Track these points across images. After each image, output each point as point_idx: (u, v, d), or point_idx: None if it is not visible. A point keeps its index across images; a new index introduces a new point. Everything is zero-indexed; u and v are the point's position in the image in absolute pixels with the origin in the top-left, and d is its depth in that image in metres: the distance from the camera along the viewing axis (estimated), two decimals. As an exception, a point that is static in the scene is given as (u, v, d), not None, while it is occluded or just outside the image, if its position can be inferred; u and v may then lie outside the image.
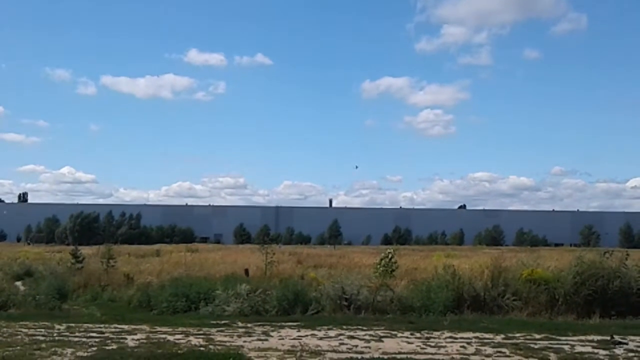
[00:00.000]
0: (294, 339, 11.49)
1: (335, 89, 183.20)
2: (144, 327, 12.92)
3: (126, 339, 11.40)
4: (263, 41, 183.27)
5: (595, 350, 10.34)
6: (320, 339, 11.48)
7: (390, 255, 19.12)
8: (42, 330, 12.46)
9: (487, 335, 11.70)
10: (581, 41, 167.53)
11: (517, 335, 11.71)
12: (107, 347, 10.54)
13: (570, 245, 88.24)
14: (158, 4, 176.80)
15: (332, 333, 12.07)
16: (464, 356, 9.92)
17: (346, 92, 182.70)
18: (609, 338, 11.21)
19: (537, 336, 11.57)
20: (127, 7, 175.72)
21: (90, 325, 13.10)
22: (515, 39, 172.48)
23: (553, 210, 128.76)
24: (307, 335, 11.81)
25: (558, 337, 11.42)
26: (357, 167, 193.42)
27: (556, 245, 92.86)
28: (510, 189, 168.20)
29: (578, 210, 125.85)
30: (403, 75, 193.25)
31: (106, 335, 11.84)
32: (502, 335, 11.65)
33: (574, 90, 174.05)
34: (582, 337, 11.49)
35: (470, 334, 11.86)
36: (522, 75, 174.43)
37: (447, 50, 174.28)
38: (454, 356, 9.93)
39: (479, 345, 10.78)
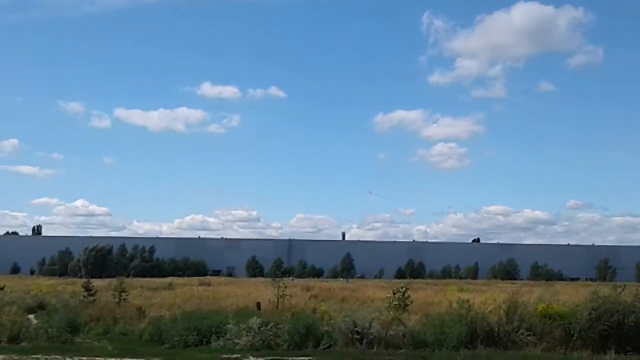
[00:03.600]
0: (306, 373, 11.40)
1: (348, 122, 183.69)
2: (155, 361, 12.88)
3: (137, 372, 11.36)
4: (277, 74, 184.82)
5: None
6: (332, 374, 11.38)
7: (403, 290, 19.06)
8: (54, 363, 12.46)
9: (501, 371, 11.55)
10: (597, 74, 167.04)
11: (532, 371, 11.55)
12: (118, 381, 10.52)
13: (586, 280, 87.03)
14: (171, 37, 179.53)
15: (343, 368, 11.96)
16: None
17: (359, 125, 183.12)
18: None
19: (552, 372, 11.41)
20: (140, 40, 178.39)
21: (102, 359, 13.08)
22: (530, 72, 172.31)
23: (568, 244, 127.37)
24: (318, 370, 11.72)
25: (573, 374, 11.25)
26: (372, 193, 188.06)
27: (572, 279, 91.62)
28: (525, 223, 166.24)
29: (594, 244, 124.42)
30: (416, 108, 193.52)
31: (117, 369, 11.81)
32: (516, 371, 11.51)
33: (590, 123, 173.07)
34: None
35: (483, 370, 11.71)
36: (537, 108, 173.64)
37: (461, 83, 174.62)
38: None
39: (492, 381, 10.65)
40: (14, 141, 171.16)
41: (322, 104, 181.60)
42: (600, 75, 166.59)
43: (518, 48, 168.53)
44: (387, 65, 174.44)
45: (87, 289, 24.97)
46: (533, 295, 18.44)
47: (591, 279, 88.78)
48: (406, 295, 19.20)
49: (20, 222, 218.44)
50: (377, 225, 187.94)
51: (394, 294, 19.38)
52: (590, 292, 15.98)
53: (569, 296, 20.36)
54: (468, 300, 16.90)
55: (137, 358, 13.29)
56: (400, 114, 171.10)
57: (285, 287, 22.22)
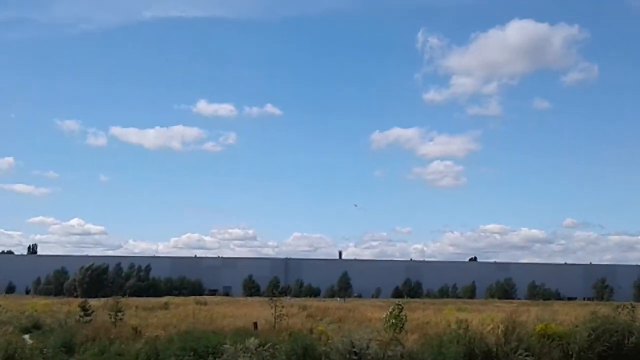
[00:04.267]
0: (303, 395, 11.31)
1: (344, 140, 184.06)
2: (152, 382, 12.78)
3: (133, 394, 11.26)
4: (272, 91, 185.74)
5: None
6: (330, 395, 11.29)
7: (399, 309, 18.97)
8: (49, 384, 12.35)
9: (500, 392, 11.47)
10: (592, 91, 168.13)
11: (531, 392, 11.47)
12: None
13: (584, 299, 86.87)
14: (167, 55, 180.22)
15: (342, 389, 11.86)
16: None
17: (355, 143, 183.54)
18: None
19: (552, 393, 11.33)
20: (136, 59, 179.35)
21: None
22: (525, 89, 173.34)
23: (565, 263, 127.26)
24: (316, 392, 11.62)
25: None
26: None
27: (569, 299, 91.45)
28: (522, 242, 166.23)
29: (591, 263, 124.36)
30: (413, 126, 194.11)
31: (113, 390, 11.71)
32: (516, 392, 11.43)
33: (586, 140, 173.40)
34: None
35: (482, 391, 11.63)
36: (532, 125, 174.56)
37: (456, 101, 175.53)
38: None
39: (492, 403, 10.57)
40: (10, 159, 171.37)
41: (318, 121, 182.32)
42: (596, 92, 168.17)
43: (513, 65, 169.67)
44: (383, 83, 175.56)
45: (84, 308, 24.83)
46: (531, 315, 18.40)
47: (589, 298, 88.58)
48: (402, 314, 19.08)
49: (15, 241, 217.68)
50: (374, 243, 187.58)
51: (390, 312, 19.29)
52: (589, 312, 15.94)
53: (567, 316, 20.31)
54: (466, 320, 16.83)
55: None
56: (396, 132, 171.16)
57: (282, 306, 22.10)
